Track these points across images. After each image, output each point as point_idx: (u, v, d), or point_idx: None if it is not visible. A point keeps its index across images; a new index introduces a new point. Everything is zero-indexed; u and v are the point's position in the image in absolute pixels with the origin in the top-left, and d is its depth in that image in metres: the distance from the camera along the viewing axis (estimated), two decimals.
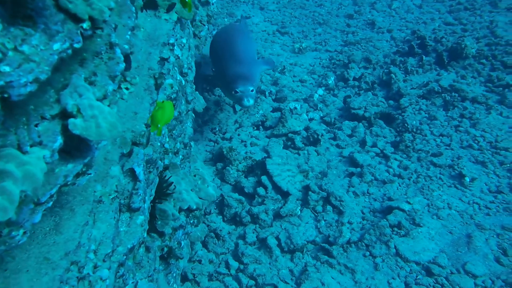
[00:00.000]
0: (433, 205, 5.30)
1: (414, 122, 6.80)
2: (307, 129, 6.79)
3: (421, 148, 6.33)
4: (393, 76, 8.00)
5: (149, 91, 3.00)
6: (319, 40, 10.41)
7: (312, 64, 9.37)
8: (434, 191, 5.52)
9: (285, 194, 5.52)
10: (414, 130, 6.66)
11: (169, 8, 3.76)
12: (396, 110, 7.26)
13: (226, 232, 5.08)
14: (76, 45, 1.69)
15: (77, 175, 1.92)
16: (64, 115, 1.78)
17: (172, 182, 2.95)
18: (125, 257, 2.14)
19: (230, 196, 5.40)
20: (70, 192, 2.20)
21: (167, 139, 3.04)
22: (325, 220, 5.23)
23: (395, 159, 6.18)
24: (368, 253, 4.76)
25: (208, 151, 6.52)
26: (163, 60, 3.35)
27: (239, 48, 6.32)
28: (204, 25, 7.28)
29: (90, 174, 2.00)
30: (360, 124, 7.00)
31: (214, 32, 8.22)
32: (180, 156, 3.61)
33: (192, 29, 6.15)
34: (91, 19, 1.76)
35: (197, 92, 5.58)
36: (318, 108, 7.66)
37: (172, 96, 3.25)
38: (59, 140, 1.73)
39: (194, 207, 3.11)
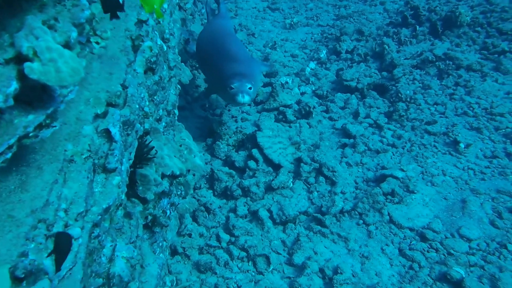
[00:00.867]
0: (427, 172, 5.21)
1: (408, 91, 6.67)
2: (298, 102, 6.67)
3: (415, 117, 6.23)
4: (386, 47, 7.85)
5: (125, 52, 2.87)
6: (310, 15, 10.23)
7: (304, 39, 9.20)
8: (428, 159, 5.43)
9: (276, 167, 5.42)
10: (408, 99, 6.54)
11: None
12: (389, 81, 7.12)
13: (217, 206, 4.99)
14: None
15: (40, 126, 1.81)
16: (20, 59, 1.66)
17: (153, 147, 2.83)
18: (100, 217, 2.04)
19: (220, 170, 5.30)
20: (38, 151, 2.09)
21: (147, 103, 2.92)
22: (317, 191, 5.14)
23: (389, 128, 6.07)
24: (361, 221, 4.68)
25: (198, 127, 6.39)
26: (141, 22, 3.21)
27: (231, 46, 5.67)
28: None
29: (55, 126, 1.89)
30: (353, 95, 6.87)
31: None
32: (163, 123, 3.49)
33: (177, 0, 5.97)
34: None
35: (182, 64, 5.42)
36: (310, 82, 7.53)
37: (151, 60, 3.12)
38: (14, 85, 1.62)
39: (178, 172, 3.00)
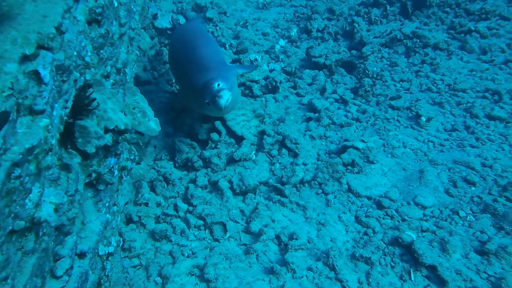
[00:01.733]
0: (388, 145, 5.25)
1: (375, 68, 6.69)
2: (266, 78, 6.62)
3: (380, 93, 6.25)
4: (356, 26, 7.84)
5: None
6: None
7: (276, 18, 9.13)
8: (390, 131, 5.46)
9: (239, 139, 5.40)
10: (375, 76, 6.56)
11: None
12: (358, 59, 7.12)
13: (177, 177, 4.93)
14: None
15: None
16: None
17: (95, 99, 2.76)
18: (21, 156, 1.96)
19: (182, 141, 5.24)
20: None
21: (89, 54, 2.84)
22: (280, 163, 5.13)
23: (354, 103, 6.09)
24: (320, 190, 4.69)
25: (163, 102, 6.30)
26: None
27: (202, 51, 5.04)
28: None
29: None
30: (321, 72, 6.86)
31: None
32: (111, 80, 3.40)
33: None
34: None
35: (142, 30, 5.30)
36: (280, 60, 7.49)
37: (96, 11, 3.02)
38: None
39: (123, 127, 2.92)
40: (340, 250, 3.96)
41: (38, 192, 2.18)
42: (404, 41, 7.24)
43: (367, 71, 6.62)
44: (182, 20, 7.97)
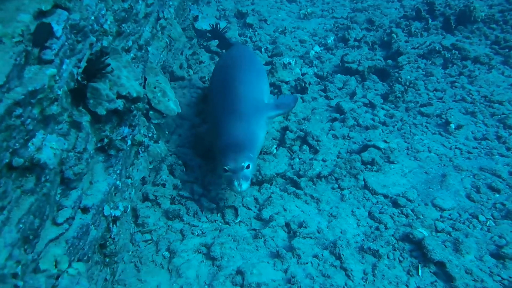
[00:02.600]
0: (412, 148, 5.13)
1: (409, 77, 6.61)
2: (296, 80, 6.69)
3: (411, 100, 6.15)
4: (394, 36, 7.80)
5: None
6: (326, 7, 10.25)
7: (316, 28, 9.23)
8: (416, 135, 5.35)
9: None
10: (407, 84, 6.46)
11: None
12: (393, 68, 7.05)
13: (197, 164, 5.05)
14: None
15: None
16: None
17: (110, 64, 2.93)
18: (23, 97, 2.10)
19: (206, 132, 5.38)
20: None
21: (108, 22, 3.03)
22: (299, 158, 5.14)
23: (382, 108, 6.02)
24: (336, 185, 4.65)
25: (194, 96, 6.50)
26: None
27: (239, 93, 4.58)
28: None
29: None
30: (353, 77, 6.85)
31: None
32: (131, 55, 3.59)
33: None
34: None
35: (174, 20, 5.55)
36: (313, 65, 7.55)
37: None
38: None
39: (135, 95, 3.07)
40: (348, 241, 3.89)
41: (42, 138, 2.33)
42: (443, 52, 7.11)
43: (400, 79, 6.53)
44: (222, 24, 8.23)
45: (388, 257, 3.74)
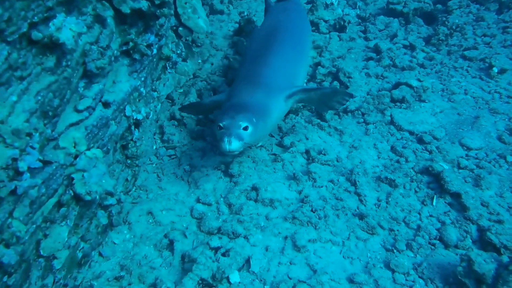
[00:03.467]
0: (447, 90, 4.93)
1: (457, 21, 6.24)
2: (336, 19, 6.50)
3: (455, 43, 5.84)
4: None
5: None
6: None
7: None
8: (454, 77, 5.12)
9: None
10: (454, 27, 6.12)
11: None
12: (441, 13, 6.67)
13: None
14: None
15: None
16: None
17: None
18: None
19: (236, 58, 5.40)
20: None
21: None
22: None
23: (423, 50, 5.76)
24: (362, 120, 4.60)
25: (230, 30, 6.48)
26: None
27: (268, 63, 4.07)
28: None
29: None
30: (396, 19, 6.55)
31: None
32: None
33: None
34: None
35: None
36: (357, 7, 7.27)
37: None
38: None
39: (159, 2, 3.12)
40: (366, 170, 3.89)
41: (62, 19, 2.45)
42: None
43: (447, 22, 6.19)
44: None
45: (404, 187, 3.71)
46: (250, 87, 3.86)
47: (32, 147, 2.11)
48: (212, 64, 5.59)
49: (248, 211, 3.59)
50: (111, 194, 2.91)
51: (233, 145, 3.36)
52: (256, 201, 3.70)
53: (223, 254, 3.18)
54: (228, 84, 5.19)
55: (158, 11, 3.18)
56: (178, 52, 4.20)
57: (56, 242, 2.65)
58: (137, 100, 3.43)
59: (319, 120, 4.63)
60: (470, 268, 2.80)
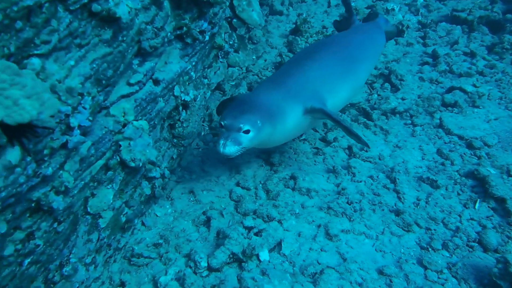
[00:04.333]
0: (506, 98, 4.73)
1: None
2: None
3: None
4: None
5: None
6: None
7: None
8: None
9: None
10: None
11: None
12: (511, 22, 6.38)
13: None
14: None
15: None
16: None
17: None
18: None
19: (288, 56, 5.51)
20: None
21: None
22: (378, 95, 5.05)
23: (484, 58, 5.55)
24: (410, 121, 4.53)
25: (287, 29, 6.61)
26: None
27: (299, 75, 3.66)
28: None
29: None
30: (458, 27, 6.36)
31: None
32: None
33: None
34: None
35: None
36: (419, 13, 7.14)
37: None
38: None
39: None
40: (407, 169, 3.84)
41: None
42: None
43: None
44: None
45: (446, 189, 3.62)
46: (270, 88, 3.54)
47: (83, 107, 2.35)
48: (265, 60, 5.75)
49: (284, 198, 3.67)
50: (153, 163, 3.12)
51: (227, 149, 3.08)
52: (293, 189, 3.77)
53: (256, 234, 3.29)
54: None
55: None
56: (231, 42, 4.39)
57: (102, 202, 2.88)
58: (187, 83, 3.65)
59: (365, 119, 4.62)
60: (506, 270, 2.70)
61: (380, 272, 3.02)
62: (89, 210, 2.82)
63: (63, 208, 2.39)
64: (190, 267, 3.12)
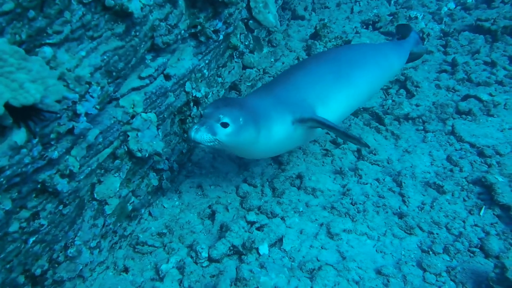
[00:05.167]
0: None
1: None
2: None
3: None
4: None
5: None
6: None
7: None
8: None
9: None
10: None
11: None
12: None
13: None
14: None
15: None
16: None
17: None
18: None
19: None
20: None
21: None
22: (393, 100, 5.05)
23: (504, 68, 5.46)
24: (421, 127, 4.51)
25: (308, 34, 6.67)
26: None
27: (292, 82, 3.52)
28: None
29: None
30: (481, 36, 6.27)
31: None
32: None
33: None
34: None
35: None
36: (443, 22, 7.08)
37: None
38: None
39: None
40: (414, 173, 3.83)
41: None
42: None
43: None
44: None
45: (452, 195, 3.59)
46: (262, 92, 3.45)
47: (91, 96, 2.48)
48: (283, 63, 5.84)
49: (289, 196, 3.73)
50: (159, 155, 3.24)
51: (198, 135, 2.82)
52: (299, 188, 3.83)
53: (258, 229, 3.36)
54: None
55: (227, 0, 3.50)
56: (246, 43, 4.49)
57: (109, 189, 3.02)
58: (199, 80, 3.77)
59: (377, 124, 4.63)
60: (503, 275, 2.67)
61: (378, 272, 3.03)
62: (95, 196, 2.96)
63: (68, 191, 2.53)
64: (191, 257, 3.23)
